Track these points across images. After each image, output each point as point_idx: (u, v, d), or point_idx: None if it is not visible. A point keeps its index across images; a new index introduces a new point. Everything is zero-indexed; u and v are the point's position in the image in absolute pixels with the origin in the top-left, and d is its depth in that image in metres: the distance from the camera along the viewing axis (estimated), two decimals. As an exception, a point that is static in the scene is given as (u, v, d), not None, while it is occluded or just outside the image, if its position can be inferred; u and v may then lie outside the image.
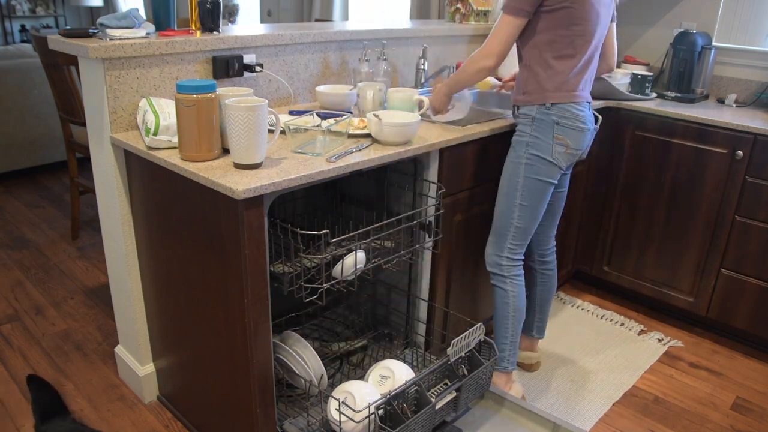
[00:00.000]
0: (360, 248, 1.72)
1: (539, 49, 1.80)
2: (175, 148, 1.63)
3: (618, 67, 3.02)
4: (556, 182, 1.90)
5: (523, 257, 2.00)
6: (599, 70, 2.02)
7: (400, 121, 1.71)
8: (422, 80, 2.62)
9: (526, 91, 1.86)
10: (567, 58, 1.79)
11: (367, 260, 1.75)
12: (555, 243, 2.19)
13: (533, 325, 2.27)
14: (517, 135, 1.89)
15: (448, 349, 1.71)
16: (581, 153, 1.90)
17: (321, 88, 2.11)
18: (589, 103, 1.89)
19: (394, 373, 1.74)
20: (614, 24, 1.98)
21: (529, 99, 1.84)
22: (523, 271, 2.01)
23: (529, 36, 1.81)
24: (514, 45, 1.84)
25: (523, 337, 2.31)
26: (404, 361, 2.04)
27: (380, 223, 1.76)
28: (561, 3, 1.73)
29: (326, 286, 1.62)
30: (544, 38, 1.79)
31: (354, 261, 1.68)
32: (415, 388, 1.62)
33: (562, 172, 1.91)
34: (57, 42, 1.78)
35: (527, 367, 2.32)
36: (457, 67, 2.71)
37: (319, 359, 1.73)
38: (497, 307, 2.01)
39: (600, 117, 1.99)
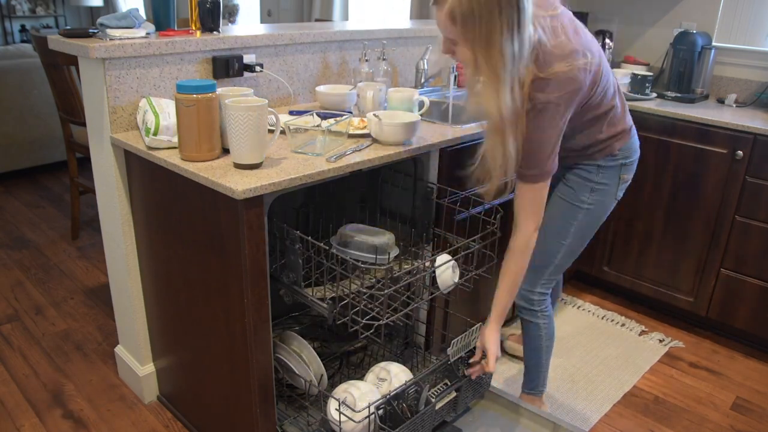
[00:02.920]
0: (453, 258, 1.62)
1: (587, 130, 1.67)
2: (175, 148, 1.63)
3: (618, 67, 3.02)
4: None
5: (551, 288, 1.93)
6: None
7: (400, 121, 1.71)
8: (422, 80, 2.62)
9: (588, 154, 1.72)
10: (607, 113, 1.66)
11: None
12: None
13: None
14: (580, 177, 1.75)
15: (448, 349, 1.71)
16: None
17: (321, 88, 2.12)
18: (632, 125, 1.78)
19: (391, 376, 1.74)
20: None
21: (595, 157, 1.72)
22: (550, 299, 1.94)
23: (571, 135, 1.63)
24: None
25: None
26: (404, 361, 2.04)
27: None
28: (594, 93, 1.56)
29: (386, 320, 1.37)
30: (586, 122, 1.64)
31: (450, 274, 1.59)
32: (415, 388, 1.62)
33: None
34: (57, 42, 1.78)
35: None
36: (457, 68, 2.65)
37: (319, 359, 1.73)
38: (530, 340, 1.95)
39: None
